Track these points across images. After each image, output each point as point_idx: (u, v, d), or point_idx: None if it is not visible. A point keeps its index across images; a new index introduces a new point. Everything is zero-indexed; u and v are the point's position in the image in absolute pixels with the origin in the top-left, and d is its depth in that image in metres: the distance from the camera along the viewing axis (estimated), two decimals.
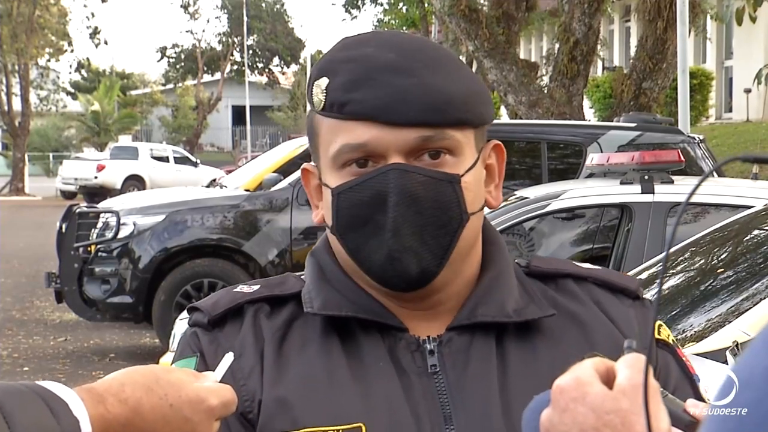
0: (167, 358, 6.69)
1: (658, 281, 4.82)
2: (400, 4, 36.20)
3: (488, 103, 1.63)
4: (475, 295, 1.62)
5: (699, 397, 1.57)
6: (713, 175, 8.16)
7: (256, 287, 1.67)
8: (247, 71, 59.54)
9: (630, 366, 1.25)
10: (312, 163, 1.67)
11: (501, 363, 1.60)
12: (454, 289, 1.62)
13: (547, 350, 1.61)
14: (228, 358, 1.52)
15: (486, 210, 1.64)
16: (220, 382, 1.46)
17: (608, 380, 1.25)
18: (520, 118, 14.31)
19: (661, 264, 5.04)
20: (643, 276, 4.90)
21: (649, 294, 4.19)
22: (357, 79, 1.56)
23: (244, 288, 1.67)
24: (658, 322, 1.69)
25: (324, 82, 1.58)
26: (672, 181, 6.72)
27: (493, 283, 1.63)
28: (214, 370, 1.50)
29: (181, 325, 6.55)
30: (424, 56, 1.58)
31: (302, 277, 1.68)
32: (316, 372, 1.58)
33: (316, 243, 1.70)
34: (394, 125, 1.55)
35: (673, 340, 1.68)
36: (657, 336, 1.65)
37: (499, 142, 1.67)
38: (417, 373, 1.59)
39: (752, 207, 5.70)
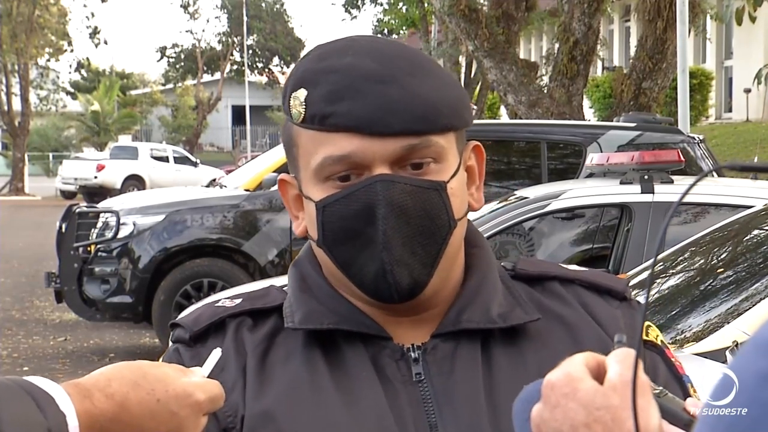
0: None
1: (650, 282, 4.81)
2: (400, 4, 36.17)
3: (469, 106, 1.60)
4: (460, 301, 1.60)
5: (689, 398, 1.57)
6: (712, 174, 8.16)
7: (238, 301, 1.64)
8: (247, 71, 59.51)
9: (620, 361, 1.24)
10: (290, 174, 1.63)
11: (487, 368, 1.57)
12: (440, 295, 1.60)
13: (534, 354, 1.58)
14: (215, 354, 1.52)
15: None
16: (208, 378, 1.46)
17: (599, 375, 1.25)
18: (520, 118, 14.31)
19: (661, 264, 5.03)
20: (643, 275, 4.90)
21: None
22: (339, 90, 1.52)
23: (226, 302, 1.65)
24: (647, 323, 1.66)
25: (303, 93, 1.54)
26: (672, 181, 6.72)
27: (478, 288, 1.61)
28: None
29: None
30: (404, 62, 1.54)
31: (285, 288, 1.66)
32: (299, 384, 1.56)
33: (299, 253, 1.68)
34: (378, 136, 1.51)
35: (662, 341, 1.66)
36: (645, 337, 1.63)
37: (479, 143, 1.65)
38: (402, 381, 1.57)
39: (752, 207, 5.70)
